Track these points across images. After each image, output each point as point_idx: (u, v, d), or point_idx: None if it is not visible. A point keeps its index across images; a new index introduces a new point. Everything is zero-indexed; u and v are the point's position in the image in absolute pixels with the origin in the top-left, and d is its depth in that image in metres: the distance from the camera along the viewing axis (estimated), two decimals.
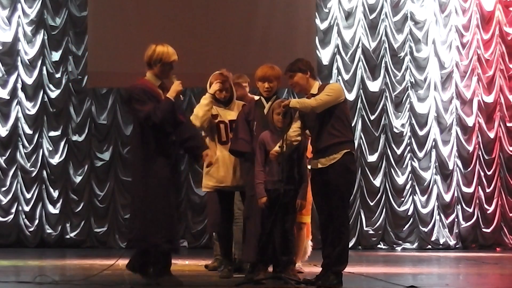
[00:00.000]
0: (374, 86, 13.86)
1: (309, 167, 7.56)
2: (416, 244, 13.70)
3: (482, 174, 13.89)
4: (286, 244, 7.42)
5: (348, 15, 13.89)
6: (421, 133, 13.86)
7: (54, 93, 13.49)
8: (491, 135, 13.96)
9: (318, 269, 7.22)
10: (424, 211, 13.77)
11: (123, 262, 7.41)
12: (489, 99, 14.01)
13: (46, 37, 13.47)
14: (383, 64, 13.89)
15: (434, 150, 13.87)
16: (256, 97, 7.97)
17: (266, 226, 7.36)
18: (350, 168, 7.09)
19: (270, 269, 7.59)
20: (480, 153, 13.92)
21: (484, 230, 13.83)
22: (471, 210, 13.82)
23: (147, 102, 6.90)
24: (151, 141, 6.94)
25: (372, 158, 13.79)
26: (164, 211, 6.92)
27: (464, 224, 13.82)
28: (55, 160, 13.44)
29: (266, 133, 7.47)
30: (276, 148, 7.09)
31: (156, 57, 7.00)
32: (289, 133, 7.15)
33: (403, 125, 13.86)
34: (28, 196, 13.34)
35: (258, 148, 7.42)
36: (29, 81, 13.46)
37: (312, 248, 8.65)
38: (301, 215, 8.09)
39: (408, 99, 13.89)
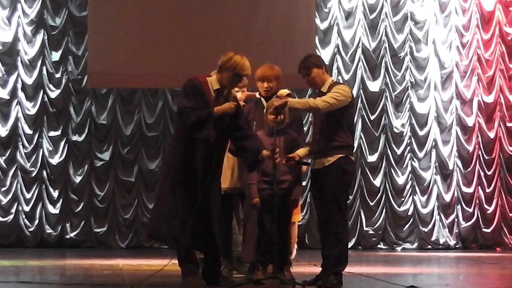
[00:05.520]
0: (374, 86, 13.86)
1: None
2: (416, 244, 13.70)
3: (482, 174, 13.88)
4: (283, 245, 7.40)
5: (348, 15, 13.88)
6: (421, 133, 13.86)
7: (54, 93, 13.48)
8: (491, 135, 13.96)
9: (318, 269, 7.21)
10: (424, 211, 13.77)
11: (123, 262, 7.40)
12: (489, 99, 14.00)
13: (46, 37, 13.45)
14: (383, 64, 13.88)
15: (434, 150, 13.87)
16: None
17: (264, 226, 7.35)
18: (346, 169, 7.04)
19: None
20: (480, 153, 13.91)
21: (484, 230, 13.82)
22: (471, 210, 13.82)
23: (190, 99, 6.86)
24: (183, 139, 6.90)
25: (372, 158, 13.78)
26: (163, 209, 6.92)
27: (464, 224, 13.82)
28: (55, 160, 13.43)
29: (260, 133, 7.46)
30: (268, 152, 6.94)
31: (231, 66, 6.86)
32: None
33: (403, 125, 13.86)
34: (28, 196, 13.33)
35: None
36: (29, 81, 13.45)
37: (311, 248, 8.64)
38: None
39: (408, 99, 13.89)
